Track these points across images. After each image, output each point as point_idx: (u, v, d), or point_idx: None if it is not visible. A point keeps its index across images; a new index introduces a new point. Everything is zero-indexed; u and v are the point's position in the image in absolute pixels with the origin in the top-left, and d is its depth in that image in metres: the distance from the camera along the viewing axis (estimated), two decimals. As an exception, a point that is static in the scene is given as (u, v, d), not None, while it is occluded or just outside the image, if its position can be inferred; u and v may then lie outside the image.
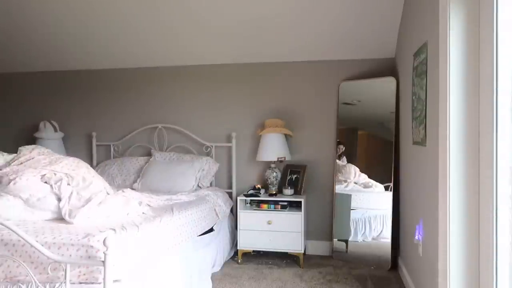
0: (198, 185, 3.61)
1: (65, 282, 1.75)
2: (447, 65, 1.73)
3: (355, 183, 3.58)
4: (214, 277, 3.05)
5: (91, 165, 3.99)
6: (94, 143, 4.19)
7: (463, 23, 1.71)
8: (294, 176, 3.67)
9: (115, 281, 1.77)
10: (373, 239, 3.43)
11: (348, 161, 3.65)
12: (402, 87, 3.18)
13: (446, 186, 1.75)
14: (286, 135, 3.68)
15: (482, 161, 1.65)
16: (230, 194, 3.82)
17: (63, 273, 1.76)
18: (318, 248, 3.74)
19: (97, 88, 4.26)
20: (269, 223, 3.39)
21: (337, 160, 3.64)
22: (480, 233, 1.66)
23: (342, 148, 3.63)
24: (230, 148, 3.91)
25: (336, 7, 3.06)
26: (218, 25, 3.39)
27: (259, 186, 3.69)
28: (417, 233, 2.46)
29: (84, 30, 3.59)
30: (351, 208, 3.53)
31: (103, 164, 3.96)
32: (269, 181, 3.59)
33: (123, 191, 2.62)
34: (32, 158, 2.59)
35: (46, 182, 2.38)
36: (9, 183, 2.29)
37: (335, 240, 3.61)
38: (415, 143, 2.60)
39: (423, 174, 2.40)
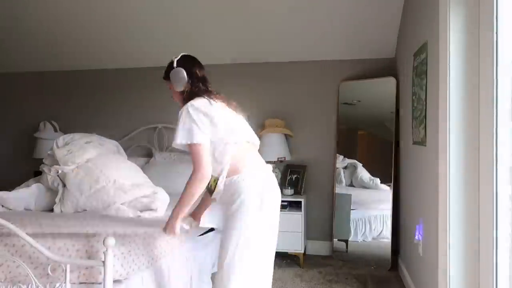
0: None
1: (65, 282, 1.75)
2: (447, 65, 1.73)
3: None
4: (214, 277, 3.04)
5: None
6: (94, 143, 4.18)
7: (463, 23, 1.71)
8: (294, 176, 3.67)
9: (115, 281, 1.77)
10: (373, 239, 3.43)
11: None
12: (402, 87, 3.18)
13: (446, 186, 1.75)
14: (286, 135, 3.68)
15: (482, 161, 1.65)
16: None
17: (63, 273, 1.76)
18: (318, 248, 3.74)
19: (97, 88, 4.26)
20: (269, 223, 3.38)
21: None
22: (480, 233, 1.66)
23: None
24: (230, 148, 3.90)
25: (336, 7, 3.06)
26: (218, 26, 3.39)
27: (259, 186, 3.68)
28: (417, 233, 2.46)
29: (84, 30, 3.59)
30: (351, 208, 3.53)
31: (103, 164, 3.96)
32: (269, 181, 3.58)
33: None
34: None
35: None
36: None
37: (335, 240, 3.60)
38: (415, 143, 2.60)
39: (423, 174, 2.40)
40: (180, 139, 1.74)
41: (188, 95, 1.86)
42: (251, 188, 1.71)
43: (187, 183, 1.82)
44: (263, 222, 1.74)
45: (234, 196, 1.71)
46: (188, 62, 1.92)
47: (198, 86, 1.85)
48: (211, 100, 1.80)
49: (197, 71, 1.89)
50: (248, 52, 3.74)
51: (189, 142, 1.72)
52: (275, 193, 1.83)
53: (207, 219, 1.93)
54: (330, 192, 3.73)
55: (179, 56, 1.95)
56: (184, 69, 1.88)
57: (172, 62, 1.95)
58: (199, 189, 1.79)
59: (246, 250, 1.70)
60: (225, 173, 1.76)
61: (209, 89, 1.88)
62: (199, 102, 1.77)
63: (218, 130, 1.74)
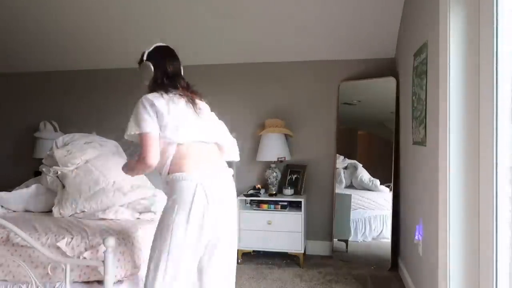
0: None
1: (65, 282, 1.75)
2: (447, 65, 1.73)
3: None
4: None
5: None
6: (94, 143, 4.18)
7: (463, 23, 1.71)
8: (294, 176, 3.67)
9: (116, 281, 1.77)
10: (373, 239, 3.43)
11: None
12: (402, 87, 3.18)
13: (446, 186, 1.74)
14: (286, 135, 3.68)
15: (482, 161, 1.65)
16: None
17: (63, 273, 1.76)
18: (318, 248, 3.74)
19: (97, 88, 4.26)
20: (269, 223, 3.39)
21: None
22: (480, 233, 1.66)
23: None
24: (230, 148, 3.90)
25: (336, 7, 3.06)
26: (218, 26, 3.39)
27: (259, 186, 3.69)
28: (417, 233, 2.46)
29: (84, 31, 3.59)
30: (352, 208, 3.53)
31: (103, 164, 3.96)
32: (269, 181, 3.59)
33: None
34: None
35: None
36: None
37: (335, 240, 3.60)
38: (415, 143, 2.60)
39: (423, 174, 2.40)
40: (129, 130, 1.68)
41: (150, 88, 1.82)
42: (184, 191, 1.59)
43: (130, 162, 1.80)
44: (187, 235, 1.56)
45: (170, 194, 1.64)
46: (159, 54, 1.84)
47: (162, 81, 1.79)
48: (164, 94, 1.73)
49: (166, 64, 1.81)
50: (248, 52, 3.74)
51: (137, 132, 1.65)
52: (215, 206, 1.61)
53: None
54: (330, 192, 3.73)
55: (152, 48, 1.86)
56: (153, 63, 1.80)
57: (143, 54, 1.85)
58: (136, 174, 1.77)
59: (165, 255, 1.56)
60: (166, 171, 1.68)
61: (178, 84, 1.79)
62: (152, 95, 1.73)
63: (163, 125, 1.66)
